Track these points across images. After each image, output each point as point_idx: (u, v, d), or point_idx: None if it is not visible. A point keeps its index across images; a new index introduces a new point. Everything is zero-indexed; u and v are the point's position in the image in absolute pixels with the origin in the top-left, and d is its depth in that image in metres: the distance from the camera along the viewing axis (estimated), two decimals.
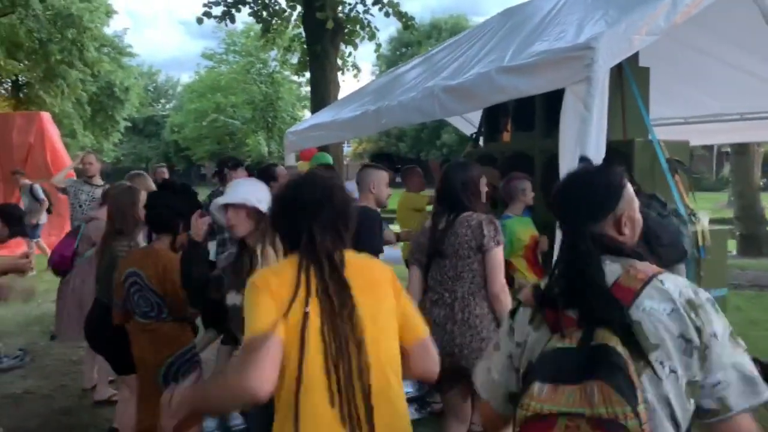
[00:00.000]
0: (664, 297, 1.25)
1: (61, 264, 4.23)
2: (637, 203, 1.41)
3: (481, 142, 5.49)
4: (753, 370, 1.24)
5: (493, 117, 5.21)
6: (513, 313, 1.40)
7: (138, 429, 2.91)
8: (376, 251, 3.19)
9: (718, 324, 1.25)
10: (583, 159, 1.58)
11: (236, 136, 32.45)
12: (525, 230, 3.87)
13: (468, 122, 6.56)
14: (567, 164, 3.02)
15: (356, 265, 1.66)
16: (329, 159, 6.89)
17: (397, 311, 1.65)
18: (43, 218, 9.76)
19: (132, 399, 3.13)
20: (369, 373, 1.53)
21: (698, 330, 1.22)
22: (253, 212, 2.34)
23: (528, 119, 4.78)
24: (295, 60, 11.18)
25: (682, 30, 3.55)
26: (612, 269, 1.30)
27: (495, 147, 5.16)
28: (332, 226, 1.66)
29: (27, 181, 9.75)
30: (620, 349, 1.18)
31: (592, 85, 2.94)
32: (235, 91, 31.10)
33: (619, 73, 4.11)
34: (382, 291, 1.64)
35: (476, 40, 4.70)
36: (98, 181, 5.82)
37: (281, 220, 1.73)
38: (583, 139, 2.96)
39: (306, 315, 1.52)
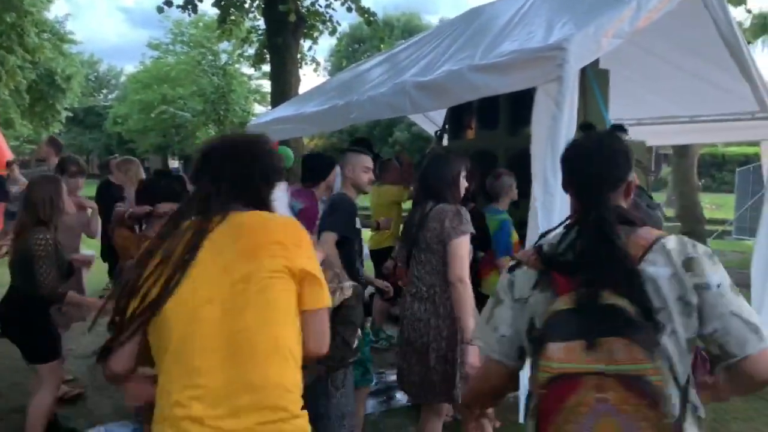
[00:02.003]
0: (665, 261, 1.29)
1: None
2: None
3: (446, 140, 5.57)
4: (752, 316, 1.27)
5: (457, 115, 5.30)
6: (512, 269, 1.45)
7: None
8: (331, 229, 3.08)
9: (714, 275, 1.29)
10: (617, 127, 1.66)
11: (184, 128, 31.66)
12: (513, 231, 3.97)
13: (430, 120, 6.64)
14: (539, 161, 3.13)
15: (250, 224, 1.59)
16: (290, 153, 6.83)
17: (294, 276, 1.55)
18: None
19: (42, 388, 3.30)
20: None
21: (696, 287, 1.27)
22: None
23: (492, 117, 4.89)
24: (251, 52, 11.03)
25: (639, 35, 3.72)
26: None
27: (459, 144, 5.25)
28: (228, 184, 1.61)
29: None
30: (631, 309, 1.22)
31: (564, 84, 3.05)
32: (183, 82, 30.34)
33: (581, 74, 4.27)
34: (270, 252, 1.54)
35: (442, 39, 4.77)
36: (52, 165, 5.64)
37: (192, 180, 1.72)
38: (554, 136, 3.06)
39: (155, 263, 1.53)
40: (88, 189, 5.34)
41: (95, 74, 46.39)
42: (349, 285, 2.33)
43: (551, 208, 3.05)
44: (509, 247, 3.88)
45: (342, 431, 2.12)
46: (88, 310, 3.40)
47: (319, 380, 2.32)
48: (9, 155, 11.82)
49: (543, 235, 1.49)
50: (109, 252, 6.26)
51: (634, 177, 1.46)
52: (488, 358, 1.44)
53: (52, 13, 22.56)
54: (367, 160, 3.34)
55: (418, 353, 2.73)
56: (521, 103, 4.36)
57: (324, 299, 1.61)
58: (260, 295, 1.50)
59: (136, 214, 3.57)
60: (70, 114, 26.50)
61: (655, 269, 1.28)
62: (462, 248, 2.68)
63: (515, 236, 3.94)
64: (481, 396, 1.55)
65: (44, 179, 3.45)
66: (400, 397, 4.20)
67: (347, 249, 3.14)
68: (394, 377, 4.56)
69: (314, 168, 4.01)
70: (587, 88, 4.32)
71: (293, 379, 1.54)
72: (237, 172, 1.64)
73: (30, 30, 17.33)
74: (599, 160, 1.42)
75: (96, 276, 6.11)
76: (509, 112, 4.74)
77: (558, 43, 3.12)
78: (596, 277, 1.27)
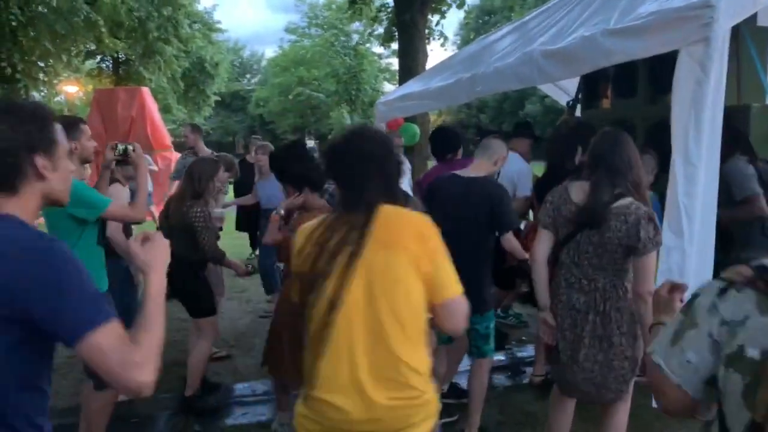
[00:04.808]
0: None
1: None
2: None
3: (578, 111, 5.32)
4: None
5: (591, 83, 5.04)
6: (721, 292, 1.20)
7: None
8: (512, 227, 3.21)
9: None
10: None
11: (319, 109, 33.01)
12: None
13: (561, 90, 6.37)
14: (680, 129, 2.89)
15: (387, 218, 1.70)
16: (416, 129, 6.90)
17: (422, 269, 1.66)
18: (151, 186, 10.28)
19: (202, 339, 3.78)
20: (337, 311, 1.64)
21: None
22: None
23: (630, 85, 4.60)
24: (380, 31, 11.20)
25: None
26: None
27: (593, 114, 4.99)
28: (381, 178, 1.74)
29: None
30: None
31: (711, 46, 2.78)
32: (318, 64, 31.53)
33: (734, 33, 3.86)
34: (402, 245, 1.66)
35: (575, 5, 4.53)
36: (202, 150, 6.25)
37: (337, 168, 1.81)
38: (698, 103, 2.82)
39: (316, 252, 1.70)
40: None
41: (239, 60, 49.48)
42: None
43: (694, 180, 2.82)
44: None
45: None
46: (240, 271, 3.98)
47: None
48: (167, 137, 13.12)
49: None
50: (245, 224, 6.87)
51: None
52: (665, 379, 1.24)
53: (202, 4, 24.38)
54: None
55: (569, 342, 2.64)
56: (662, 69, 4.05)
57: (451, 289, 1.70)
58: (395, 285, 1.65)
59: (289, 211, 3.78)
60: (218, 98, 28.67)
61: None
62: (654, 260, 2.50)
63: None
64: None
65: (208, 159, 4.03)
66: (528, 372, 4.17)
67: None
68: (523, 353, 4.56)
69: (444, 141, 4.13)
70: (741, 49, 3.91)
71: (423, 361, 1.71)
72: (375, 169, 1.75)
73: (183, 21, 18.94)
74: None
75: (237, 249, 6.62)
76: (649, 79, 4.42)
77: (705, 1, 2.85)
78: None
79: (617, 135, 2.67)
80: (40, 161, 1.30)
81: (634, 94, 4.56)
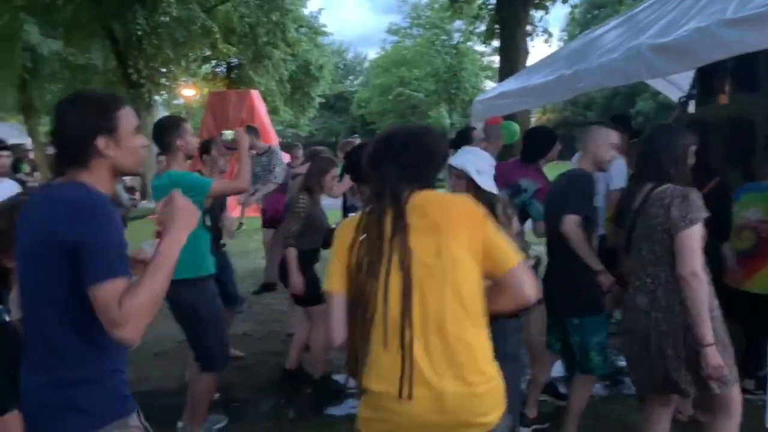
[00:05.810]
0: None
1: (275, 217, 4.80)
2: None
3: (691, 107, 4.98)
4: None
5: (707, 77, 4.70)
6: None
7: None
8: (574, 212, 2.95)
9: None
10: None
11: (418, 109, 33.16)
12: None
13: (673, 85, 5.99)
14: None
15: (428, 203, 1.68)
16: (516, 128, 6.73)
17: (479, 245, 1.65)
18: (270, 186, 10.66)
19: (315, 326, 3.90)
20: (409, 298, 1.60)
21: None
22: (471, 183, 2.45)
23: (750, 78, 4.25)
24: (482, 28, 11.07)
25: None
26: None
27: (708, 111, 4.65)
28: (411, 168, 1.71)
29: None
30: None
31: None
32: (419, 64, 31.69)
33: None
34: (451, 228, 1.64)
35: None
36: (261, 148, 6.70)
37: (370, 166, 1.79)
38: None
39: (360, 243, 1.66)
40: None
41: (343, 62, 50.60)
42: None
43: None
44: None
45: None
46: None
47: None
48: (274, 138, 13.71)
49: None
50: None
51: None
52: None
53: (308, 8, 25.26)
54: (615, 137, 3.15)
55: (637, 344, 2.56)
56: None
57: (511, 259, 1.69)
58: (452, 268, 1.62)
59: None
60: (322, 100, 29.54)
61: None
62: (693, 239, 2.36)
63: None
64: None
65: (324, 157, 4.15)
66: (627, 383, 3.96)
67: (589, 230, 3.04)
68: (622, 362, 4.32)
69: (534, 144, 3.95)
70: None
71: (487, 345, 1.67)
72: (417, 157, 1.75)
73: (290, 26, 19.73)
74: None
75: None
76: None
77: None
78: None
79: (660, 128, 2.73)
80: (101, 142, 1.55)
81: (755, 87, 4.21)
